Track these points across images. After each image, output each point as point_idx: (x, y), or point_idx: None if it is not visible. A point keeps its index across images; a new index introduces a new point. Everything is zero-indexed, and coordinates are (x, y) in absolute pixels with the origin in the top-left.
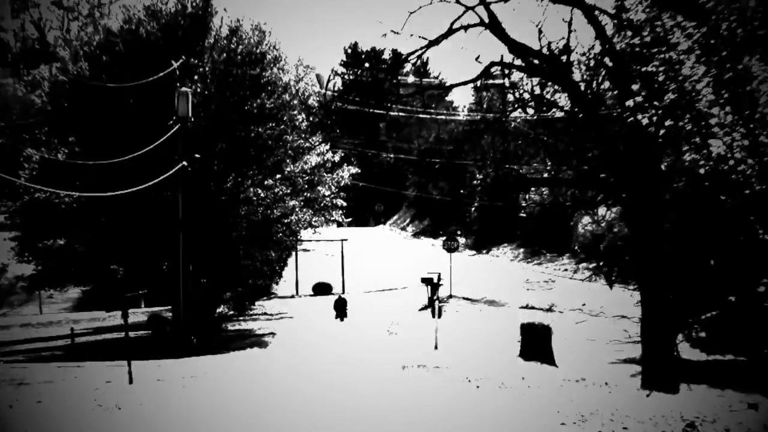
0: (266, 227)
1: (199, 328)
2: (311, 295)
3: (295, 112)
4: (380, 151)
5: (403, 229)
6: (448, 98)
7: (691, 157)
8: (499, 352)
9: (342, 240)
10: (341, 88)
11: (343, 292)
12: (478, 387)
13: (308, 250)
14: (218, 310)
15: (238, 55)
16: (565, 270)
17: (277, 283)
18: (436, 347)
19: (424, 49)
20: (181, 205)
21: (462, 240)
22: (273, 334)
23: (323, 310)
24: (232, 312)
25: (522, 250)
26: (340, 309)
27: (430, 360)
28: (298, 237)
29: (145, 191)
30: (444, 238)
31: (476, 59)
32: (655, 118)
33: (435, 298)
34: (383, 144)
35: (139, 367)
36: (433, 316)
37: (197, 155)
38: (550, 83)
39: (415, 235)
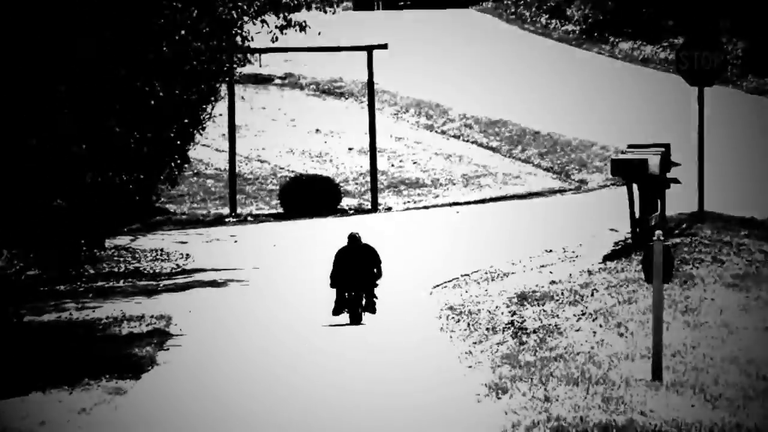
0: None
1: None
2: (276, 216)
3: None
4: None
5: None
6: None
7: None
8: None
9: (371, 48)
10: None
11: (375, 209)
12: None
13: (272, 80)
14: None
15: None
16: None
17: (174, 182)
18: (657, 377)
19: None
20: None
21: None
22: (163, 339)
23: (314, 267)
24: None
25: None
26: (355, 284)
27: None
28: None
29: None
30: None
31: None
32: None
33: (655, 221)
34: None
35: None
36: (660, 278)
37: None
38: None
39: (592, 31)
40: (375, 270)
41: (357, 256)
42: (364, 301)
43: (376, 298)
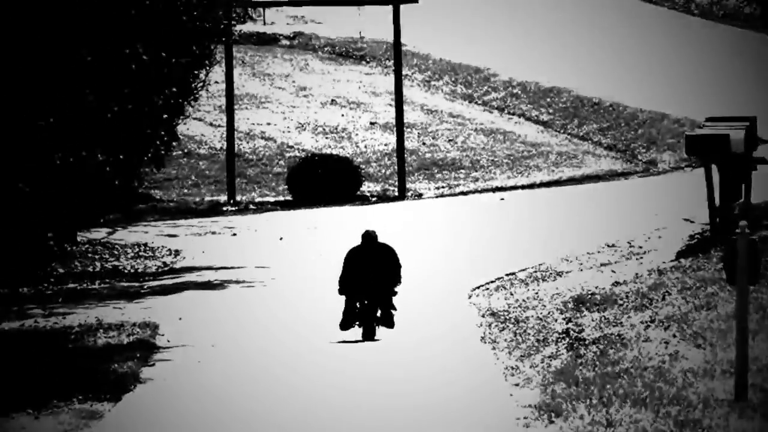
0: None
1: None
2: (283, 204)
3: None
4: None
5: None
6: None
7: None
8: None
9: (397, 1)
10: None
11: (403, 196)
12: None
13: (278, 41)
14: None
15: None
16: None
17: (160, 163)
18: (741, 396)
19: None
20: None
21: None
22: (147, 352)
23: (329, 266)
24: None
25: None
26: (368, 291)
27: None
28: None
29: None
30: None
31: None
32: None
33: (738, 209)
34: None
35: None
36: (745, 279)
37: None
38: None
39: None
40: (393, 275)
41: (372, 257)
42: (379, 313)
43: (395, 309)
